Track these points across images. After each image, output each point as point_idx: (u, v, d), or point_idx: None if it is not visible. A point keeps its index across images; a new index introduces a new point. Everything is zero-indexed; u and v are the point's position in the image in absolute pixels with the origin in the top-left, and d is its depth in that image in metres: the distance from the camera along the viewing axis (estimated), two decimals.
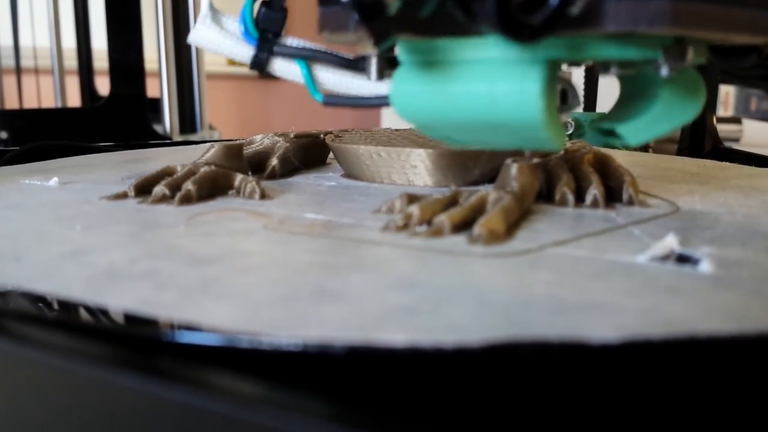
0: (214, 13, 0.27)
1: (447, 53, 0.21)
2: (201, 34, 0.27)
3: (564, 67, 0.22)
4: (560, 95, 0.21)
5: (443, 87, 0.21)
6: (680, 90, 0.23)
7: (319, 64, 0.27)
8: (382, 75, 0.23)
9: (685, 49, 0.21)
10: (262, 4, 0.26)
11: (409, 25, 0.20)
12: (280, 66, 0.27)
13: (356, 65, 0.26)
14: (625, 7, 0.19)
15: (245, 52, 0.27)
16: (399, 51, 0.22)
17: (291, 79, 0.27)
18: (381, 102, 0.25)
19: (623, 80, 0.24)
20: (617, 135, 0.24)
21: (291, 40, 0.26)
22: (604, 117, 0.24)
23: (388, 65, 0.23)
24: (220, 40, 0.27)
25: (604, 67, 0.22)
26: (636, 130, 0.23)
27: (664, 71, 0.21)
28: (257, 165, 0.35)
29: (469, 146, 0.26)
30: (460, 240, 0.22)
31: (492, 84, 0.20)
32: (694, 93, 0.23)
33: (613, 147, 0.51)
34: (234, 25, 0.27)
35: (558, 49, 0.20)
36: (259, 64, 0.27)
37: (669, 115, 0.23)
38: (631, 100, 0.24)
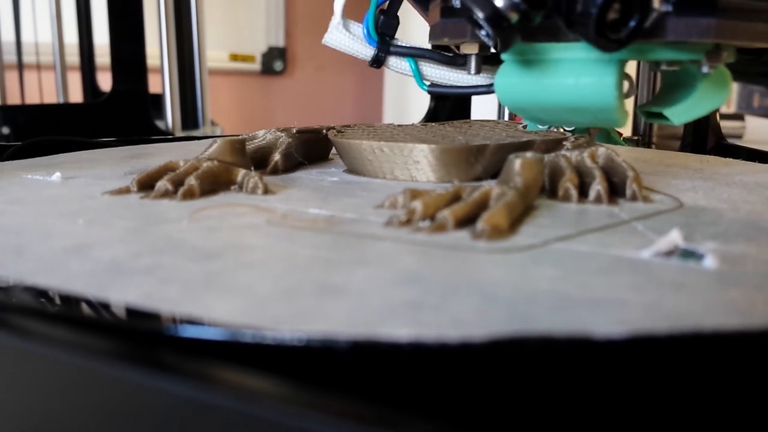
0: (344, 20, 0.34)
1: (542, 54, 0.28)
2: (333, 37, 0.34)
3: None
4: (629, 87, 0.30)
5: (539, 79, 0.29)
6: (714, 82, 0.31)
7: (424, 61, 0.34)
8: (479, 70, 0.32)
9: (721, 52, 0.28)
10: (381, 12, 0.32)
11: (522, 32, 0.27)
12: (394, 62, 0.34)
13: (455, 62, 0.33)
14: (682, 23, 0.26)
15: (367, 51, 0.34)
16: (503, 53, 0.29)
17: (401, 72, 0.34)
18: (480, 91, 0.33)
19: (665, 74, 0.31)
20: (663, 117, 0.31)
21: (401, 42, 0.33)
22: (650, 102, 0.32)
23: (484, 62, 0.31)
24: (349, 42, 0.34)
25: (656, 64, 0.30)
26: (679, 113, 0.31)
27: (705, 69, 0.28)
28: (260, 160, 0.35)
29: (555, 124, 0.34)
30: (463, 235, 0.22)
31: (578, 78, 0.28)
32: (724, 84, 0.31)
33: (616, 142, 0.51)
34: (358, 30, 0.34)
35: (629, 52, 0.27)
36: (378, 61, 0.34)
37: (705, 100, 0.31)
38: (671, 90, 0.32)
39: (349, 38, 0.34)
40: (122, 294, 0.17)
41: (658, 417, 0.14)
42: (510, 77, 0.30)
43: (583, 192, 0.28)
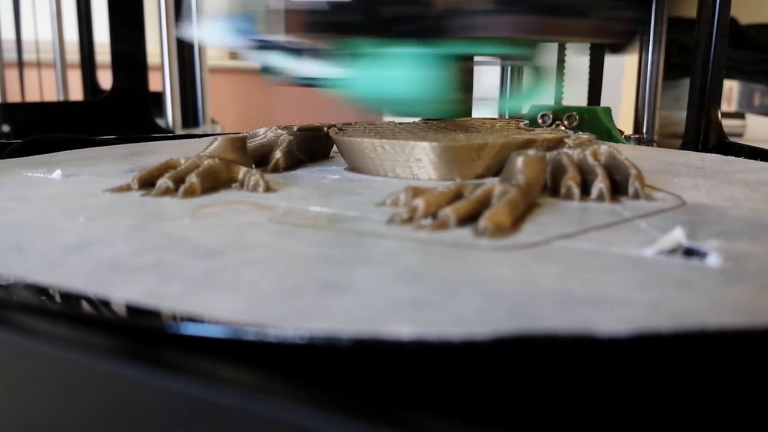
0: (214, 16, 0.36)
1: (382, 49, 0.30)
2: (203, 32, 0.37)
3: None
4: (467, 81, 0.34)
5: (382, 72, 0.32)
6: (546, 75, 0.36)
7: (285, 54, 0.36)
8: (333, 63, 0.34)
9: (544, 48, 0.32)
10: (244, 9, 0.35)
11: (360, 32, 0.30)
12: (257, 55, 0.36)
13: (313, 55, 0.35)
14: (500, 22, 0.29)
15: (237, 44, 0.36)
16: (349, 47, 0.32)
17: (265, 64, 0.36)
18: (330, 83, 0.34)
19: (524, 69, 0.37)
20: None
21: (269, 36, 0.35)
22: (511, 95, 0.38)
23: (338, 57, 0.33)
24: (219, 36, 0.36)
25: (502, 58, 0.35)
26: (510, 102, 0.37)
27: (531, 63, 0.33)
28: (261, 158, 0.35)
29: (401, 115, 0.36)
30: (465, 233, 0.22)
31: (411, 70, 0.31)
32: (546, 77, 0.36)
33: (617, 141, 0.51)
34: (225, 24, 0.36)
35: (458, 47, 0.30)
36: (243, 54, 0.36)
37: (532, 92, 0.37)
38: (527, 83, 0.36)
39: (219, 33, 0.36)
40: (123, 291, 0.17)
41: (662, 415, 0.13)
42: (356, 71, 0.33)
43: (585, 190, 0.28)
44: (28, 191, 0.29)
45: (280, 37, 0.34)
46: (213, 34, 0.36)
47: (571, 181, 0.27)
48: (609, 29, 0.32)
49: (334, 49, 0.33)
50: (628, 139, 0.54)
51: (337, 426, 0.12)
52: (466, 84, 0.34)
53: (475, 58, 0.33)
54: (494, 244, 0.21)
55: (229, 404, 0.13)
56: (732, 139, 0.54)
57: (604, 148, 0.29)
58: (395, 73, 0.31)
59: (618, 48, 0.35)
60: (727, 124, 0.59)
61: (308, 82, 0.35)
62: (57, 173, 0.33)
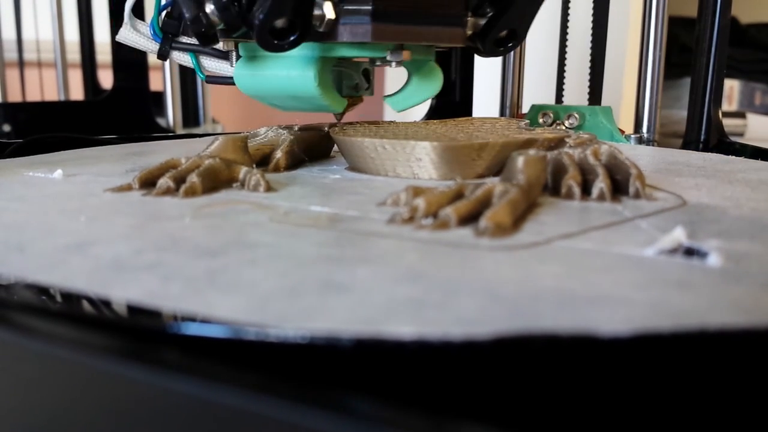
0: (132, 20, 0.38)
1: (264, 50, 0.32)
2: (124, 35, 0.39)
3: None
4: (355, 82, 0.37)
5: (263, 71, 0.35)
6: (425, 75, 0.38)
7: (203, 55, 0.38)
8: (234, 63, 0.37)
9: (402, 50, 0.34)
10: (166, 14, 0.37)
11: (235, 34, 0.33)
12: (178, 56, 0.38)
13: (227, 56, 0.37)
14: (348, 28, 0.32)
15: (153, 47, 0.38)
16: (240, 49, 0.36)
17: (185, 64, 0.38)
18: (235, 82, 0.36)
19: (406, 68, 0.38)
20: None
21: (185, 39, 0.38)
22: (392, 93, 0.39)
23: (236, 57, 0.36)
24: (138, 39, 0.38)
25: (371, 60, 0.37)
26: (397, 101, 0.38)
27: (393, 64, 0.35)
28: (261, 158, 0.35)
29: (288, 110, 0.38)
30: (466, 233, 0.22)
31: (288, 70, 0.34)
32: (435, 77, 0.38)
33: (618, 140, 0.51)
34: (146, 28, 0.38)
35: (325, 51, 0.33)
36: (163, 55, 0.38)
37: (419, 91, 0.38)
38: (408, 83, 0.38)
39: (137, 36, 0.38)
40: (124, 291, 0.17)
41: (663, 415, 0.13)
42: (243, 70, 0.35)
43: (586, 189, 0.28)
44: (29, 191, 0.29)
45: (192, 39, 0.37)
46: (133, 37, 0.38)
47: (571, 181, 0.27)
48: (460, 35, 0.35)
49: (233, 50, 0.36)
50: (628, 138, 0.54)
51: (337, 426, 0.12)
52: (354, 84, 0.38)
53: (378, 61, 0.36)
54: (495, 244, 0.21)
55: (229, 404, 0.13)
56: (733, 139, 0.54)
57: (604, 147, 0.29)
58: (275, 72, 0.34)
59: (484, 52, 0.37)
60: (728, 123, 0.59)
61: (226, 81, 0.37)
62: (58, 173, 0.33)
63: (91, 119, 0.68)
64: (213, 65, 0.38)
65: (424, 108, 0.65)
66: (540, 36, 0.66)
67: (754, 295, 0.17)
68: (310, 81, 0.33)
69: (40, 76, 0.98)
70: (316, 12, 0.31)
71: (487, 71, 0.67)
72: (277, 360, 0.15)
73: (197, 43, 0.35)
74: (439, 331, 0.14)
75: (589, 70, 0.59)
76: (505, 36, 0.36)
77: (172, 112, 0.76)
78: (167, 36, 0.38)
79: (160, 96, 0.77)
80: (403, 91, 0.38)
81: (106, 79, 0.81)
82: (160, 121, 0.73)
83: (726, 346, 0.15)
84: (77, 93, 0.85)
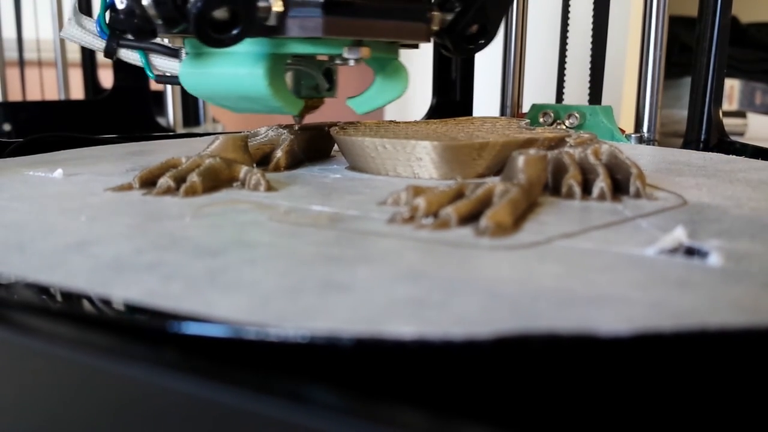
0: (78, 16, 0.37)
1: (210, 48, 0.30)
2: (68, 31, 0.37)
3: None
4: (315, 82, 0.35)
5: (209, 69, 0.32)
6: (390, 75, 0.35)
7: (153, 53, 0.36)
8: (180, 61, 0.34)
9: (361, 47, 0.31)
10: (111, 9, 0.34)
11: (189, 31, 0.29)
12: (126, 54, 0.36)
13: (177, 54, 0.35)
14: (297, 22, 0.29)
15: (100, 44, 0.36)
16: (185, 45, 0.33)
17: (133, 62, 0.37)
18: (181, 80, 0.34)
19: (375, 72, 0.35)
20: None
21: (131, 36, 0.35)
22: (357, 95, 0.36)
23: (182, 54, 0.34)
24: (83, 36, 0.37)
25: (331, 58, 0.34)
26: (360, 103, 0.36)
27: (351, 62, 0.32)
28: (262, 157, 0.35)
29: (239, 112, 0.35)
30: (466, 232, 0.22)
31: (236, 68, 0.31)
32: (400, 77, 0.35)
33: (618, 140, 0.51)
34: (92, 25, 0.36)
35: (275, 47, 0.31)
36: (110, 53, 0.36)
37: (383, 92, 0.35)
38: (374, 83, 0.36)
39: (82, 32, 0.36)
40: (125, 291, 0.17)
41: (663, 415, 0.13)
42: (189, 68, 0.33)
43: (586, 189, 0.28)
44: (29, 190, 0.29)
45: (138, 37, 0.35)
46: (78, 34, 0.37)
47: (572, 180, 0.27)
48: (424, 30, 0.33)
49: (179, 47, 0.34)
50: (629, 138, 0.54)
51: (338, 425, 0.12)
52: (310, 83, 0.36)
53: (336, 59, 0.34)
54: (495, 244, 0.21)
55: (229, 404, 0.13)
56: (733, 138, 0.54)
57: (605, 147, 0.29)
58: (222, 70, 0.32)
59: (453, 49, 0.35)
60: (729, 123, 0.59)
61: (176, 81, 0.35)
62: (58, 172, 0.33)
63: (91, 118, 0.68)
64: (163, 63, 0.36)
65: (425, 107, 0.65)
66: (540, 35, 0.66)
67: (755, 295, 0.17)
68: (259, 79, 0.31)
69: (41, 75, 0.98)
70: (263, 3, 0.29)
71: (487, 70, 0.67)
72: (278, 360, 0.15)
73: (145, 41, 0.33)
74: (440, 331, 0.14)
75: (589, 70, 0.59)
76: (476, 32, 0.34)
77: (172, 112, 0.76)
78: (114, 32, 0.35)
79: (160, 95, 0.77)
80: (367, 92, 0.36)
81: (106, 78, 0.81)
82: (161, 121, 0.73)
83: (726, 345, 0.15)
84: (77, 92, 0.85)
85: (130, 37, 0.35)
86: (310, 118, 0.39)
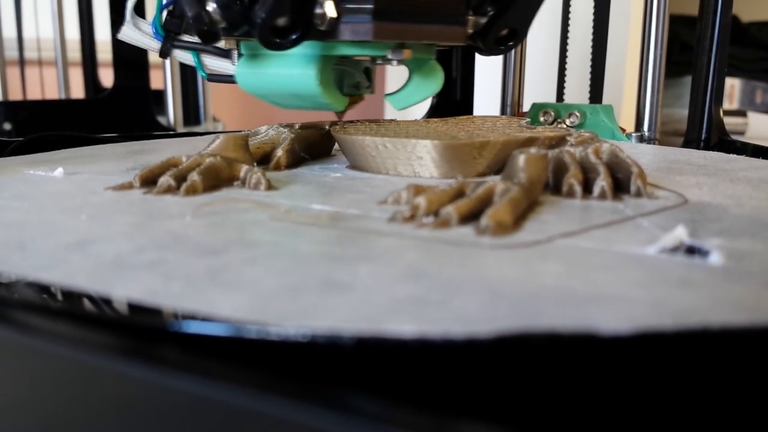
0: (135, 18, 0.39)
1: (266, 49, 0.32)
2: (126, 33, 0.39)
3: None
4: (356, 80, 0.38)
5: (264, 70, 0.35)
6: (426, 74, 0.38)
7: (204, 53, 0.38)
8: (235, 61, 0.37)
9: (404, 49, 0.34)
10: (168, 13, 0.37)
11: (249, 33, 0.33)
12: (180, 54, 0.38)
13: (228, 54, 0.38)
14: (349, 27, 0.32)
15: (156, 45, 0.38)
16: (240, 47, 0.35)
17: (187, 62, 0.39)
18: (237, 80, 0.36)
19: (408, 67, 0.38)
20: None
21: (186, 37, 0.38)
22: (394, 92, 0.39)
23: (238, 55, 0.36)
24: (140, 37, 0.39)
25: (373, 59, 0.37)
26: (398, 99, 0.39)
27: (394, 63, 0.35)
28: (262, 156, 0.35)
29: (289, 108, 0.37)
30: (467, 231, 0.22)
31: (290, 69, 0.34)
32: (435, 75, 0.38)
33: (619, 139, 0.51)
34: (148, 27, 0.38)
35: (327, 49, 0.33)
36: (165, 53, 0.38)
37: (419, 89, 0.38)
38: (409, 81, 0.39)
39: (139, 34, 0.38)
40: (125, 289, 0.17)
41: (665, 414, 0.13)
42: (245, 68, 0.35)
43: (587, 188, 0.28)
44: (30, 189, 0.29)
45: (194, 37, 0.36)
46: (135, 35, 0.38)
47: (573, 179, 0.27)
48: (461, 33, 0.35)
49: (234, 48, 0.36)
50: (629, 136, 0.54)
51: (339, 424, 0.12)
52: (354, 82, 0.38)
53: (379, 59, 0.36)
54: (496, 243, 0.21)
55: (230, 402, 0.13)
56: (734, 137, 0.54)
57: (606, 146, 0.29)
58: (276, 70, 0.34)
59: (486, 51, 0.37)
60: (729, 122, 0.59)
61: (228, 80, 0.37)
62: (59, 171, 0.33)
63: (91, 118, 0.68)
64: (214, 63, 0.39)
65: (425, 106, 0.65)
66: (541, 34, 0.65)
67: (756, 294, 0.17)
68: (311, 79, 0.33)
69: (41, 74, 0.98)
70: (318, 10, 0.31)
71: (487, 70, 0.67)
72: (279, 358, 0.15)
73: (199, 41, 0.35)
74: (441, 330, 0.14)
75: (590, 69, 0.59)
76: (506, 35, 0.36)
77: (172, 111, 0.76)
78: (169, 34, 0.38)
79: (160, 94, 0.77)
80: (404, 90, 0.39)
81: (106, 77, 0.80)
82: (161, 120, 0.73)
83: (728, 344, 0.15)
84: (78, 91, 0.85)
85: (184, 38, 0.38)
86: (310, 117, 0.39)
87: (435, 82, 0.38)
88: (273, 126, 0.38)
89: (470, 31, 0.36)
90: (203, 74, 0.39)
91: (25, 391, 0.16)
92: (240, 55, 0.36)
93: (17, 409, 0.16)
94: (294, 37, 0.31)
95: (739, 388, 0.14)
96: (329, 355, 0.15)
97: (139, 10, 0.40)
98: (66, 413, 0.16)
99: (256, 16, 0.30)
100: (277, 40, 0.31)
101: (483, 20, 0.36)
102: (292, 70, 0.34)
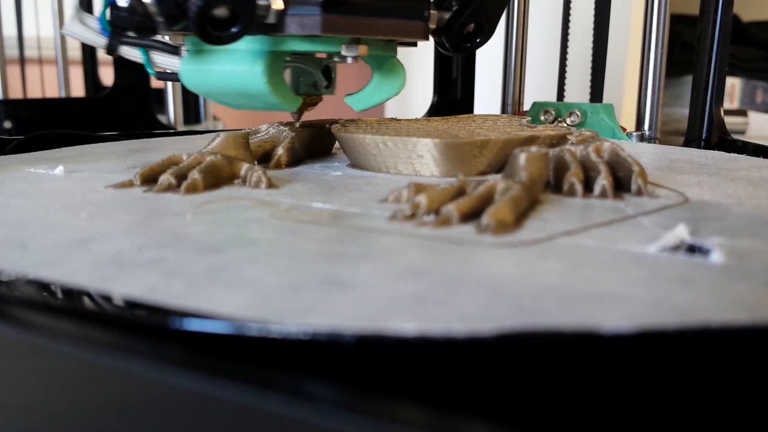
0: (80, 13, 0.37)
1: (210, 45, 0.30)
2: (70, 28, 0.36)
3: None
4: (314, 80, 0.36)
5: (209, 66, 0.32)
6: (387, 72, 0.36)
7: (153, 50, 0.36)
8: (181, 58, 0.34)
9: (359, 45, 0.32)
10: (113, 7, 0.35)
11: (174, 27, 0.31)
12: (127, 51, 0.36)
13: (177, 51, 0.35)
14: (296, 20, 0.30)
15: (102, 41, 0.36)
16: (185, 42, 0.33)
17: (135, 59, 0.37)
18: (181, 77, 0.34)
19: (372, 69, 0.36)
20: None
21: (133, 33, 0.35)
22: (354, 93, 0.37)
23: (182, 52, 0.34)
24: (84, 33, 0.36)
25: (329, 56, 0.34)
26: (357, 100, 0.36)
27: (349, 60, 0.33)
28: (263, 154, 0.35)
29: (238, 108, 0.35)
30: (468, 230, 0.22)
31: (235, 65, 0.31)
32: (397, 75, 0.36)
33: (620, 138, 0.51)
34: (94, 22, 0.36)
35: (275, 44, 0.31)
36: (112, 50, 0.36)
37: (380, 89, 0.36)
38: (372, 80, 0.36)
39: (84, 29, 0.36)
40: (126, 287, 0.17)
41: (666, 412, 0.13)
42: (189, 65, 0.33)
43: (588, 187, 0.28)
44: (31, 187, 0.29)
45: (139, 34, 0.35)
46: (80, 30, 0.36)
47: (573, 178, 0.27)
48: (422, 28, 0.33)
49: (179, 44, 0.34)
50: (630, 136, 0.54)
51: (340, 422, 0.12)
52: (309, 81, 0.36)
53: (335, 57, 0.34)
54: (497, 241, 0.21)
55: (231, 400, 0.13)
56: (734, 137, 0.54)
57: (606, 144, 0.29)
58: (221, 67, 0.32)
59: (450, 46, 0.35)
60: (730, 121, 0.59)
61: (177, 78, 0.35)
62: (59, 169, 0.33)
63: (92, 116, 0.68)
64: (163, 60, 0.36)
65: (426, 105, 0.65)
66: (541, 33, 0.66)
67: (757, 292, 0.17)
68: (258, 77, 0.31)
69: (41, 72, 0.98)
70: (262, 2, 0.29)
71: (488, 68, 0.67)
72: (279, 356, 0.15)
73: (145, 36, 0.34)
74: (442, 328, 0.14)
75: (590, 68, 0.59)
76: (473, 31, 0.35)
77: (173, 109, 0.76)
78: (116, 30, 0.35)
79: (161, 93, 0.77)
80: (365, 90, 0.37)
81: (107, 76, 0.80)
82: (161, 118, 0.73)
83: (729, 343, 0.15)
84: (78, 90, 0.85)
85: (131, 34, 0.35)
86: (309, 116, 0.39)
87: (396, 82, 0.36)
88: (273, 124, 0.38)
89: (433, 26, 0.34)
90: (152, 72, 0.37)
91: (26, 388, 0.16)
92: (187, 50, 0.34)
93: (18, 407, 0.16)
94: (235, 30, 0.29)
95: (741, 386, 0.14)
96: (330, 352, 0.15)
97: (86, 6, 0.39)
98: (67, 410, 0.16)
99: (192, 6, 0.28)
100: (216, 33, 0.29)
101: (447, 15, 0.34)
102: (238, 67, 0.32)
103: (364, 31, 0.32)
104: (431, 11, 0.34)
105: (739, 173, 0.34)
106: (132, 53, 0.37)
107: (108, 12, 0.35)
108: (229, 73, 0.32)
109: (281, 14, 0.30)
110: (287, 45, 0.32)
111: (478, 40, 0.35)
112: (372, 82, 0.36)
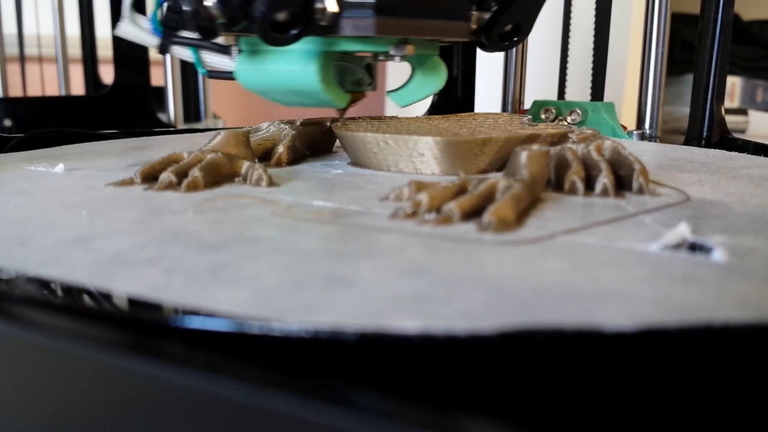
0: (133, 14, 0.38)
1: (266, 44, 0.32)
2: (124, 29, 0.38)
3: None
4: (358, 77, 0.38)
5: (264, 66, 0.34)
6: (429, 70, 0.38)
7: (204, 50, 0.37)
8: (235, 58, 0.36)
9: (407, 45, 0.34)
10: (168, 9, 0.36)
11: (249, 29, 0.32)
12: (178, 50, 0.37)
13: (228, 51, 0.36)
14: (351, 22, 0.32)
15: (154, 41, 0.37)
16: (240, 43, 0.35)
17: (186, 59, 0.38)
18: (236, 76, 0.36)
19: (410, 63, 0.38)
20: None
21: (185, 33, 0.37)
22: (397, 88, 0.38)
23: (238, 52, 0.36)
24: (138, 33, 0.38)
25: (375, 55, 0.36)
26: (401, 96, 0.38)
27: (396, 59, 0.34)
28: (263, 152, 0.35)
29: (290, 105, 0.37)
30: (469, 228, 0.22)
31: (290, 65, 0.33)
32: (439, 72, 0.38)
33: (621, 136, 0.51)
34: (146, 23, 0.38)
35: (327, 45, 0.33)
36: (164, 50, 0.37)
37: (423, 86, 0.38)
38: (412, 77, 0.38)
39: (137, 30, 0.38)
40: (127, 285, 0.17)
41: (667, 410, 0.13)
42: (245, 64, 0.35)
43: (589, 185, 0.28)
44: (31, 185, 0.29)
45: (193, 33, 0.36)
46: (133, 31, 0.38)
47: (575, 176, 0.27)
48: (465, 29, 0.35)
49: (234, 44, 0.35)
50: (631, 134, 0.54)
51: (342, 420, 0.12)
52: (357, 78, 0.38)
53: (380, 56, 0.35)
54: (498, 239, 0.21)
55: (232, 398, 0.13)
56: (735, 135, 0.54)
57: (608, 143, 0.29)
58: (277, 67, 0.34)
59: (487, 46, 0.36)
60: (730, 120, 0.59)
61: (227, 76, 0.37)
62: (59, 167, 0.33)
63: (92, 114, 0.68)
64: (214, 60, 0.38)
65: (426, 104, 0.65)
66: (542, 32, 0.65)
67: (759, 290, 0.17)
68: (312, 76, 0.33)
69: (41, 71, 0.98)
70: (319, 5, 0.31)
71: (489, 67, 0.67)
72: (281, 354, 0.15)
73: (198, 37, 0.35)
74: (444, 326, 0.14)
75: (591, 66, 0.58)
76: (510, 30, 0.36)
77: (173, 108, 0.76)
78: (168, 30, 0.37)
79: (161, 91, 0.76)
80: (407, 86, 0.38)
81: (107, 74, 0.80)
82: (161, 117, 0.73)
83: (731, 341, 0.15)
84: (78, 88, 0.85)
85: (182, 34, 0.37)
86: (309, 114, 0.39)
87: (438, 79, 0.38)
88: (274, 122, 0.38)
89: (474, 26, 0.36)
90: (202, 71, 0.38)
91: (27, 386, 0.16)
92: (240, 51, 0.36)
93: (19, 405, 0.16)
94: (294, 32, 0.31)
95: (743, 384, 0.14)
96: (332, 350, 0.14)
97: (139, 6, 0.40)
98: (68, 408, 0.16)
99: (256, 11, 0.30)
100: (277, 35, 0.31)
101: (487, 15, 0.36)
102: (293, 66, 0.33)
103: (413, 32, 0.33)
104: (473, 12, 0.35)
105: (739, 171, 0.34)
106: (182, 53, 0.38)
107: (160, 13, 0.37)
108: (284, 72, 0.34)
109: (336, 17, 0.32)
110: (339, 45, 0.33)
111: (515, 38, 0.37)
112: (414, 79, 0.38)
